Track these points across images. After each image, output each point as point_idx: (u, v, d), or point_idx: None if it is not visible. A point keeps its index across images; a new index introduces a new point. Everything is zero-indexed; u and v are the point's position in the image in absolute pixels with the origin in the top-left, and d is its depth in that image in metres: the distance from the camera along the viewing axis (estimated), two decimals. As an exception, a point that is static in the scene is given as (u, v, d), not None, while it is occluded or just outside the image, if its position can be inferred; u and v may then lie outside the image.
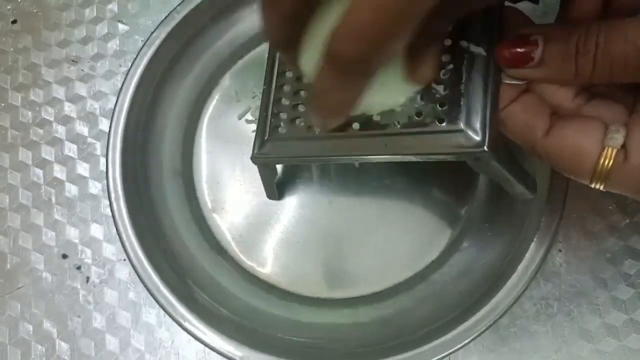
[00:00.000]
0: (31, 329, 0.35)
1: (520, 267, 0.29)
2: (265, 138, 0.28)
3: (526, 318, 0.34)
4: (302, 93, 0.27)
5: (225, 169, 0.37)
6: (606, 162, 0.20)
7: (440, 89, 0.23)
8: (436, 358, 0.28)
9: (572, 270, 0.34)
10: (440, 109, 0.23)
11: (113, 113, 0.33)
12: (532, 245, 0.29)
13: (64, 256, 0.36)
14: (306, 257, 0.35)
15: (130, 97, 0.33)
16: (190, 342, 0.34)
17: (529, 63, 0.22)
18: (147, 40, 0.34)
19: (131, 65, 0.33)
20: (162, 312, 0.34)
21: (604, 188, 0.22)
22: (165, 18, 0.34)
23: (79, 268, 0.36)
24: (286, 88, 0.28)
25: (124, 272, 0.36)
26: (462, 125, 0.22)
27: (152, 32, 0.34)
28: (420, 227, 0.35)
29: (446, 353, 0.28)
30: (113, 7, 0.41)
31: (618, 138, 0.20)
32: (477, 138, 0.22)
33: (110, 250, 0.36)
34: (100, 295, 0.36)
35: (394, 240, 0.34)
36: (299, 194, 0.36)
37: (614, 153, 0.20)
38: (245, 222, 0.36)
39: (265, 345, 0.30)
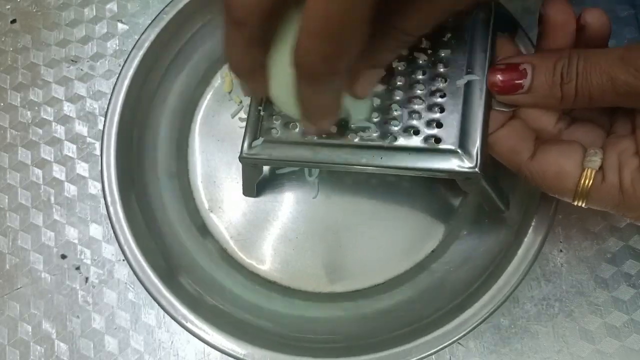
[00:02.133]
0: (30, 330, 0.35)
1: (520, 252, 0.29)
2: (255, 139, 0.28)
3: (527, 318, 0.33)
4: None
5: (220, 168, 0.36)
6: (586, 182, 0.23)
7: (438, 110, 0.25)
8: (440, 346, 0.28)
9: (572, 271, 0.34)
10: (437, 129, 0.25)
11: (106, 116, 0.33)
12: (530, 232, 0.29)
13: (63, 256, 0.36)
14: (305, 253, 0.35)
15: (122, 99, 0.33)
16: (190, 343, 0.34)
17: (518, 90, 0.24)
18: (137, 42, 0.33)
19: (122, 68, 0.33)
20: (161, 312, 0.34)
21: (585, 205, 0.24)
22: (154, 19, 0.34)
23: (78, 268, 0.36)
24: None
25: (123, 272, 0.36)
26: (457, 147, 0.24)
27: (142, 34, 0.33)
28: (418, 218, 0.35)
29: (448, 342, 0.28)
30: (112, 6, 0.41)
31: (596, 160, 0.23)
32: (471, 160, 0.24)
33: (109, 251, 0.36)
34: (99, 295, 0.35)
35: (392, 232, 0.35)
36: (295, 189, 0.36)
37: (592, 174, 0.23)
38: (243, 220, 0.36)
39: (268, 342, 0.30)
